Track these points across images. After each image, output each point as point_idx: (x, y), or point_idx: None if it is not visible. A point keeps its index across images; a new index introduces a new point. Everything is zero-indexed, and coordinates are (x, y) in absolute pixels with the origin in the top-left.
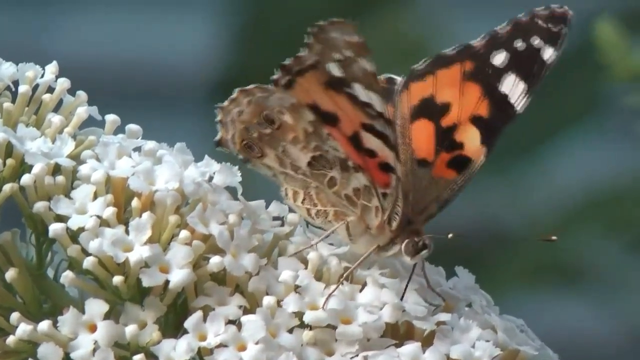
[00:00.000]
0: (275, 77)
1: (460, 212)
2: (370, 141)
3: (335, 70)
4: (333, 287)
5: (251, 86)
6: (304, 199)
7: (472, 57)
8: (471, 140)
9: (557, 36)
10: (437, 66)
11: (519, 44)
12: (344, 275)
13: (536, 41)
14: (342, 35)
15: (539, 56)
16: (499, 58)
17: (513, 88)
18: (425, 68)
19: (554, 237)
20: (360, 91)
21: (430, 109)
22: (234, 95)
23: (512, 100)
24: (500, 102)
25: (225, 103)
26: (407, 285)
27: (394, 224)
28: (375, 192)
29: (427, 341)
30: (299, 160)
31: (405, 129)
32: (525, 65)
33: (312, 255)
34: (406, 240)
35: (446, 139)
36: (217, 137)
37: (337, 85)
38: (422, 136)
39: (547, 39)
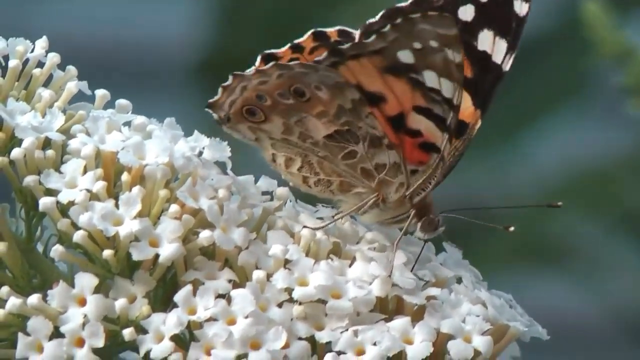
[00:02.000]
0: (320, 58)
1: (442, 193)
2: (420, 122)
3: (405, 57)
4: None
5: (293, 63)
6: (301, 167)
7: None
8: (463, 104)
9: None
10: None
11: None
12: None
13: None
14: (435, 27)
15: (512, 9)
16: (468, 12)
17: (494, 46)
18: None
19: (559, 203)
20: (431, 77)
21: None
22: (266, 67)
23: (498, 61)
24: (483, 63)
25: (251, 71)
26: (394, 256)
27: (417, 199)
28: (404, 170)
29: (416, 316)
30: (315, 131)
31: None
32: (499, 20)
33: (305, 232)
34: (424, 218)
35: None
36: (215, 99)
37: (399, 70)
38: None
39: None
